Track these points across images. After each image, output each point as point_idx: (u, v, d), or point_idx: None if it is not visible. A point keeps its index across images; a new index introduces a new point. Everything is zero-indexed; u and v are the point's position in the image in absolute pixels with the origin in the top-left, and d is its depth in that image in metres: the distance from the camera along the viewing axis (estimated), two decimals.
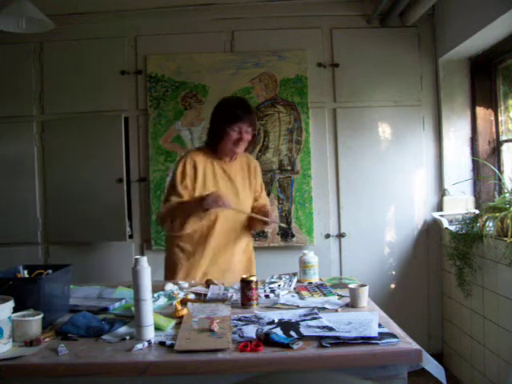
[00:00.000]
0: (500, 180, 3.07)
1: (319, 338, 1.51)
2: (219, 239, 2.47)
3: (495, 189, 3.26)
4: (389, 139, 3.51)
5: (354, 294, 1.85)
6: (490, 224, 2.67)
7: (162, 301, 1.98)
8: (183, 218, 2.31)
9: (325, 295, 2.01)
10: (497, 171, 3.17)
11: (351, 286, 1.89)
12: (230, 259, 2.52)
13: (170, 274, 2.50)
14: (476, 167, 3.42)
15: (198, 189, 2.41)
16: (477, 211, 3.11)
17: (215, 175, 2.46)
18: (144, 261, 1.62)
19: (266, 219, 2.39)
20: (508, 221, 2.57)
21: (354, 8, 3.47)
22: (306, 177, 3.45)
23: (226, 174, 2.49)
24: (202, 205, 2.25)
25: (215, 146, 2.47)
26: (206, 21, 3.50)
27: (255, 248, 3.44)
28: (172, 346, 1.50)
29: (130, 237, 3.51)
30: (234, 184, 2.51)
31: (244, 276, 1.92)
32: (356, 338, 1.49)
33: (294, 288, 2.16)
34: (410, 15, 3.31)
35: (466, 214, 3.14)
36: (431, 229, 3.49)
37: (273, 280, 2.25)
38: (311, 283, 2.22)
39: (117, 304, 1.94)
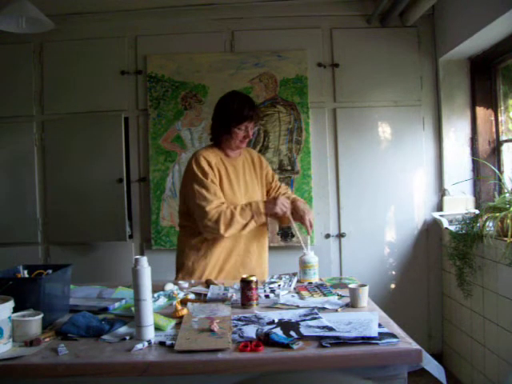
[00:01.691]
0: (500, 180, 3.07)
1: (319, 338, 1.51)
2: (234, 238, 2.46)
3: (495, 189, 3.26)
4: (389, 139, 3.51)
5: (353, 294, 1.85)
6: (490, 224, 2.68)
7: (162, 301, 1.98)
8: (244, 222, 2.33)
9: (325, 295, 2.01)
10: (497, 171, 3.17)
11: (351, 286, 1.89)
12: (247, 257, 2.52)
13: (184, 274, 2.48)
14: (476, 167, 3.42)
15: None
16: (477, 211, 3.11)
17: (227, 172, 2.47)
18: (144, 261, 1.62)
19: (309, 230, 2.43)
20: (508, 221, 2.57)
21: (354, 8, 3.47)
22: (306, 177, 3.45)
23: (236, 171, 2.51)
24: (269, 208, 2.34)
25: (220, 143, 2.51)
26: (206, 21, 3.50)
27: None
28: (172, 346, 1.50)
29: (130, 237, 3.51)
30: (245, 179, 2.54)
31: (244, 276, 1.92)
32: (356, 338, 1.49)
33: (294, 288, 2.16)
34: (410, 15, 3.31)
35: (466, 214, 3.14)
36: (431, 229, 3.49)
37: (273, 280, 2.25)
38: (311, 283, 2.22)
39: (117, 304, 1.94)
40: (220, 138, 2.49)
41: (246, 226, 2.34)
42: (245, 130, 2.44)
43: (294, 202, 2.51)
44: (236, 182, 2.49)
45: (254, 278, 1.89)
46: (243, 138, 2.46)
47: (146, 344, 1.52)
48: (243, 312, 1.83)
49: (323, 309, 1.82)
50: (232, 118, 2.41)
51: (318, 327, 1.60)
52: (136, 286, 1.59)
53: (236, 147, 2.50)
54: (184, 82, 3.46)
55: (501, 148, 3.31)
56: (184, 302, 1.94)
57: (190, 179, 2.41)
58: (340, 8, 3.48)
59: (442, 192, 3.49)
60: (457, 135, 3.45)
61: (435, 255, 3.50)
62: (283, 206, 2.37)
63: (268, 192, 2.65)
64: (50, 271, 1.87)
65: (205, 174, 2.38)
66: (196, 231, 2.44)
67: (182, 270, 2.49)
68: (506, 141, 3.28)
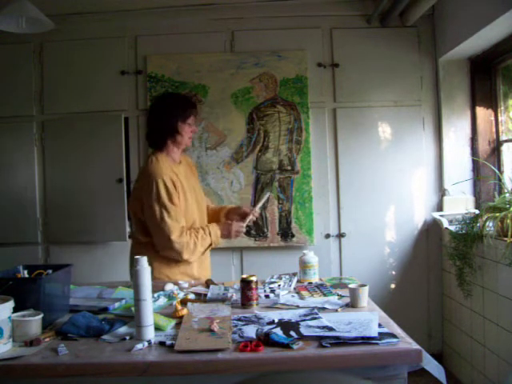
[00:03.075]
0: (500, 180, 3.07)
1: (319, 338, 1.51)
2: None
3: (495, 189, 3.26)
4: (389, 139, 3.50)
5: (353, 294, 1.85)
6: (490, 224, 2.67)
7: (162, 301, 1.98)
8: (204, 248, 2.39)
9: (325, 295, 2.01)
10: (497, 171, 3.17)
11: (351, 286, 1.89)
12: (205, 260, 2.58)
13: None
14: (476, 167, 3.42)
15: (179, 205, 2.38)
16: (477, 211, 3.11)
17: (182, 185, 2.41)
18: (144, 261, 1.62)
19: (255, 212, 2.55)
20: (508, 221, 2.57)
21: (354, 8, 3.47)
22: (306, 177, 3.45)
23: (185, 177, 2.47)
24: (225, 236, 2.46)
25: (165, 148, 2.43)
26: (206, 21, 3.50)
27: (255, 248, 3.47)
28: (172, 346, 1.50)
29: (130, 237, 3.50)
30: (192, 184, 2.53)
31: (244, 276, 1.92)
32: (356, 338, 1.49)
33: (294, 288, 2.16)
34: (410, 15, 3.31)
35: (466, 214, 3.14)
36: (431, 229, 3.49)
37: (273, 280, 2.25)
38: (311, 283, 2.22)
39: (117, 304, 1.94)
40: (165, 142, 2.42)
41: (204, 252, 2.43)
42: (193, 123, 2.46)
43: (225, 208, 2.68)
44: (188, 190, 2.44)
45: (254, 278, 1.90)
46: (191, 134, 2.47)
47: (146, 344, 1.52)
48: (243, 312, 1.83)
49: (323, 309, 1.82)
50: (180, 114, 2.40)
51: (318, 327, 1.60)
52: (136, 285, 1.59)
53: (185, 145, 2.49)
54: (184, 81, 3.46)
55: (501, 148, 3.31)
56: (184, 302, 1.94)
57: (152, 198, 2.30)
58: (340, 8, 3.48)
59: (441, 192, 3.49)
60: (457, 135, 3.45)
61: (435, 255, 3.50)
62: (237, 232, 2.48)
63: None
64: (50, 271, 1.87)
65: (169, 196, 2.30)
66: None
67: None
68: (506, 141, 3.28)
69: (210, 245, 2.41)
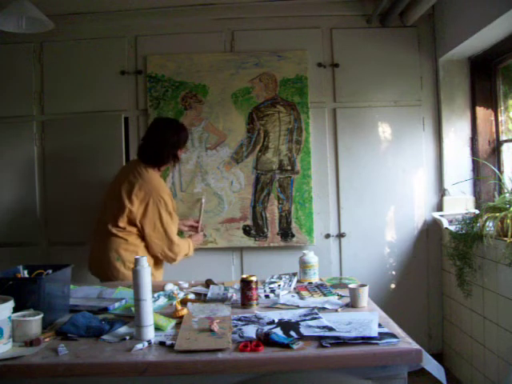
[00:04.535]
0: (500, 180, 3.07)
1: (319, 338, 1.51)
2: None
3: (495, 189, 3.26)
4: (389, 139, 3.50)
5: (354, 294, 1.86)
6: (490, 224, 2.67)
7: (162, 301, 1.98)
8: (184, 254, 2.80)
9: (325, 295, 2.01)
10: (497, 171, 3.17)
11: (351, 286, 1.89)
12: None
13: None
14: (476, 167, 3.42)
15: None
16: (477, 211, 3.11)
17: (171, 197, 2.81)
18: (144, 261, 1.62)
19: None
20: (508, 221, 2.57)
21: (354, 8, 3.47)
22: (306, 177, 3.45)
23: None
24: (197, 243, 3.04)
25: (162, 168, 2.84)
26: (206, 21, 3.50)
27: (255, 248, 3.47)
28: (172, 345, 1.50)
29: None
30: None
31: (244, 276, 1.93)
32: (356, 338, 1.49)
33: (294, 288, 2.16)
34: (410, 15, 3.31)
35: (466, 214, 3.14)
36: (431, 229, 3.49)
37: (273, 280, 2.25)
38: (311, 283, 2.22)
39: (117, 304, 1.94)
40: (166, 164, 2.82)
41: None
42: None
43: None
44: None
45: (254, 278, 1.90)
46: None
47: (146, 344, 1.52)
48: (243, 312, 1.83)
49: (323, 309, 1.82)
50: (183, 143, 2.86)
51: (318, 327, 1.60)
52: (136, 286, 1.59)
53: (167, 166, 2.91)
54: (184, 81, 3.46)
55: (501, 148, 3.31)
56: (184, 302, 1.95)
57: (161, 207, 2.66)
58: (340, 8, 3.47)
59: (441, 192, 3.49)
60: (457, 135, 3.45)
61: (435, 255, 3.50)
62: (202, 239, 3.17)
63: None
64: (50, 271, 1.87)
65: (172, 206, 2.74)
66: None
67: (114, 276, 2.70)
68: (506, 141, 3.28)
69: (186, 254, 2.80)
